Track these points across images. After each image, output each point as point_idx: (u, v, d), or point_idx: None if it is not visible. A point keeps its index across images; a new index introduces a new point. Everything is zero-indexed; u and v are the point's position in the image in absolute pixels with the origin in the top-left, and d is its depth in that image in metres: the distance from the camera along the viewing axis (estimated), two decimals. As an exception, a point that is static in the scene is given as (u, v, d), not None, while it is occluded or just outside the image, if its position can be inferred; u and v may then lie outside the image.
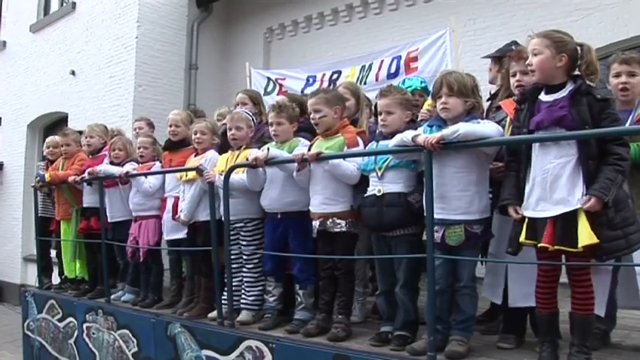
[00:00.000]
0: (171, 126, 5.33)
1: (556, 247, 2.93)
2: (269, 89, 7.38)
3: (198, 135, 4.90)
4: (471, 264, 3.45)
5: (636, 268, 3.31)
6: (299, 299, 4.28)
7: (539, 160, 3.05)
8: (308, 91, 6.61)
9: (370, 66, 6.52)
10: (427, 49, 6.13)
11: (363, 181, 3.85)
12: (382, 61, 6.45)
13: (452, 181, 3.36)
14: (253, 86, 7.31)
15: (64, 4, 11.61)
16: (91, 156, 6.20)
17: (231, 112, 5.08)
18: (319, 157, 3.88)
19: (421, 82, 5.08)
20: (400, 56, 6.34)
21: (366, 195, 3.76)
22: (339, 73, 6.77)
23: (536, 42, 3.10)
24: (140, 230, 5.44)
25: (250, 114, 4.81)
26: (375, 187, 3.69)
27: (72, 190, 6.18)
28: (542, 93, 3.14)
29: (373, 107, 4.36)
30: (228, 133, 4.67)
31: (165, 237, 5.28)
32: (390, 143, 3.56)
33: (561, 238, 2.92)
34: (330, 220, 3.98)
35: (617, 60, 3.58)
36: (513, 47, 4.49)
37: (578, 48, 3.09)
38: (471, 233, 3.35)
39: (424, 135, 3.35)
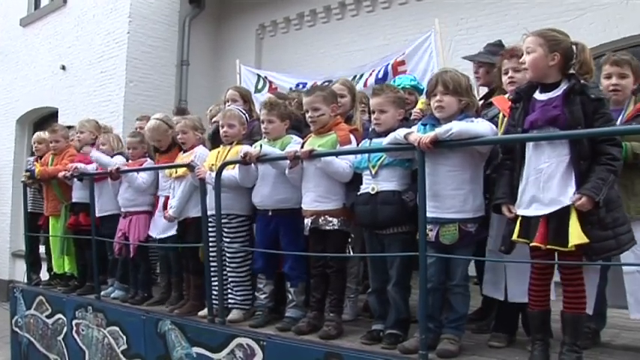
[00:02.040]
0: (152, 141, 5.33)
1: (548, 247, 2.94)
2: (259, 86, 7.37)
3: (180, 135, 4.95)
4: (465, 263, 3.45)
5: (623, 267, 3.33)
6: (290, 297, 4.27)
7: (533, 160, 3.05)
8: None
9: (361, 76, 6.56)
10: (414, 52, 6.23)
11: (356, 179, 3.84)
12: (373, 71, 6.52)
13: (445, 180, 3.36)
14: (243, 83, 7.30)
15: (55, -2, 11.53)
16: (81, 151, 6.16)
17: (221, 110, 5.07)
18: (312, 155, 3.87)
19: (411, 80, 5.07)
20: (388, 64, 6.42)
21: (359, 193, 3.75)
22: (330, 82, 6.78)
23: (530, 40, 3.11)
24: (130, 226, 5.39)
25: (243, 111, 4.80)
26: (368, 186, 3.68)
27: (61, 185, 6.14)
28: (537, 92, 3.14)
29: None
30: (221, 130, 4.65)
31: (156, 236, 5.24)
32: (384, 141, 3.56)
33: (553, 237, 2.93)
34: (323, 217, 3.96)
35: (609, 61, 3.59)
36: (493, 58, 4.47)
37: (573, 47, 3.08)
38: (464, 232, 3.36)
39: (417, 134, 3.36)
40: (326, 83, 6.65)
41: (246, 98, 5.23)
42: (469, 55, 4.71)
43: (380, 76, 6.37)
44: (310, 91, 4.26)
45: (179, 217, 4.85)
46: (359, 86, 6.43)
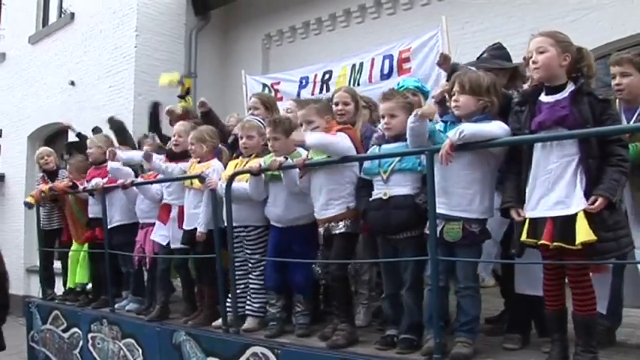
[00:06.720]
0: (174, 136, 5.30)
1: (555, 244, 2.94)
2: None
3: (190, 146, 4.94)
4: (470, 263, 3.43)
5: (640, 267, 3.31)
6: (300, 307, 4.32)
7: (542, 161, 3.06)
8: (303, 93, 6.66)
9: (361, 65, 6.50)
10: (419, 49, 6.12)
11: (367, 185, 3.84)
12: (373, 60, 6.43)
13: (455, 178, 3.38)
14: (249, 93, 7.31)
15: (63, 15, 11.67)
16: (94, 166, 6.21)
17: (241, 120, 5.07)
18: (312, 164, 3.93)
19: (415, 82, 5.03)
20: (392, 55, 6.31)
21: (371, 199, 3.74)
22: (330, 72, 6.77)
23: (541, 40, 3.12)
24: (147, 238, 5.42)
25: (261, 120, 4.70)
26: (380, 191, 3.67)
27: (78, 203, 6.21)
28: (543, 94, 3.15)
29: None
30: (240, 142, 4.63)
31: (172, 245, 5.18)
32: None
33: (560, 235, 2.93)
34: (331, 224, 3.98)
35: (611, 62, 3.58)
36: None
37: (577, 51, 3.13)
38: (468, 232, 3.36)
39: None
40: (327, 76, 6.68)
41: (267, 105, 5.12)
42: (473, 61, 4.68)
43: (385, 72, 6.30)
44: (304, 104, 4.28)
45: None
46: (364, 80, 6.42)
